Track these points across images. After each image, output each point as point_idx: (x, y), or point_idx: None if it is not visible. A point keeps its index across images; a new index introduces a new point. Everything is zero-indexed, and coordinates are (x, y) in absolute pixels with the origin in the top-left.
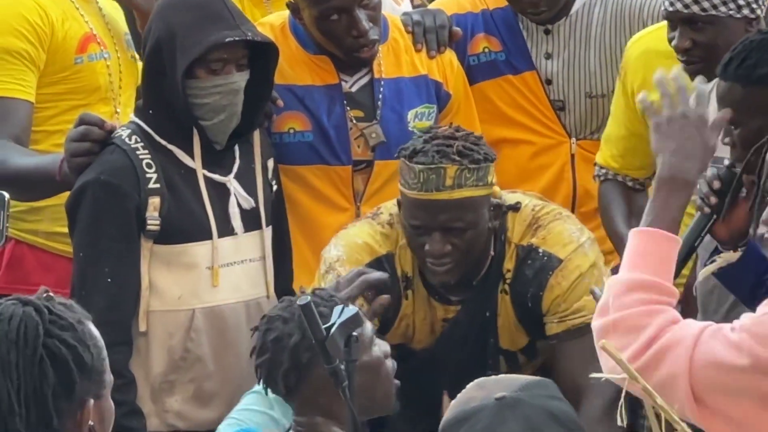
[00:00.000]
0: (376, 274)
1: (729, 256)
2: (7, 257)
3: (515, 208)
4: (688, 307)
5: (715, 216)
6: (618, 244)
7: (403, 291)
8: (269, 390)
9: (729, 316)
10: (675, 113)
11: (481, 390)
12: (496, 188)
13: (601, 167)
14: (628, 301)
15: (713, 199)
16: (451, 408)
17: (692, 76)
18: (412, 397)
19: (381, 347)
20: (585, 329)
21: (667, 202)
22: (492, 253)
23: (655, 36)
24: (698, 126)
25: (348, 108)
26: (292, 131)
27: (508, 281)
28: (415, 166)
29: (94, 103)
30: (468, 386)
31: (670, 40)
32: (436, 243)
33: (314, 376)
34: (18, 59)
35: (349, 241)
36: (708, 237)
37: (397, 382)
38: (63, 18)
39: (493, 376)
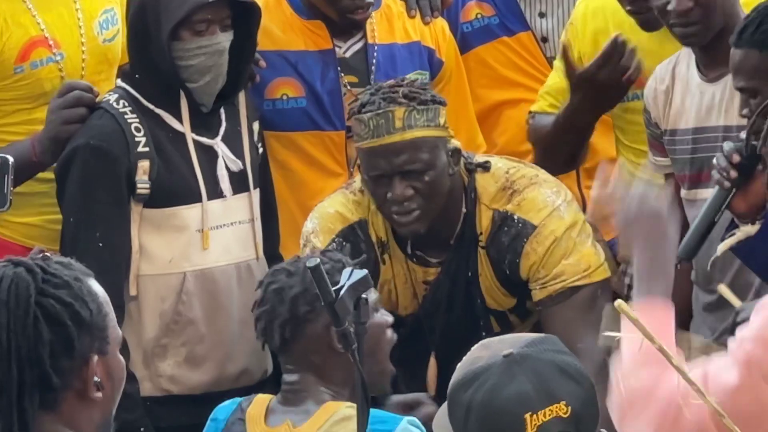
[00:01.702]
0: None
1: (748, 230)
2: None
3: (484, 166)
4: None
5: (735, 190)
6: (549, 129)
7: (380, 256)
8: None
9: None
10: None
11: (486, 350)
12: (455, 141)
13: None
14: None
15: (733, 173)
16: (457, 370)
17: (686, 39)
18: (404, 365)
19: (383, 316)
20: (567, 293)
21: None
22: (464, 210)
23: None
24: (654, 222)
25: (342, 73)
26: (285, 97)
27: (481, 244)
28: (364, 116)
29: (40, 106)
30: (472, 348)
31: (665, 4)
32: (396, 188)
33: (309, 331)
34: None
35: (322, 213)
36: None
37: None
38: (2, 28)
39: (497, 337)
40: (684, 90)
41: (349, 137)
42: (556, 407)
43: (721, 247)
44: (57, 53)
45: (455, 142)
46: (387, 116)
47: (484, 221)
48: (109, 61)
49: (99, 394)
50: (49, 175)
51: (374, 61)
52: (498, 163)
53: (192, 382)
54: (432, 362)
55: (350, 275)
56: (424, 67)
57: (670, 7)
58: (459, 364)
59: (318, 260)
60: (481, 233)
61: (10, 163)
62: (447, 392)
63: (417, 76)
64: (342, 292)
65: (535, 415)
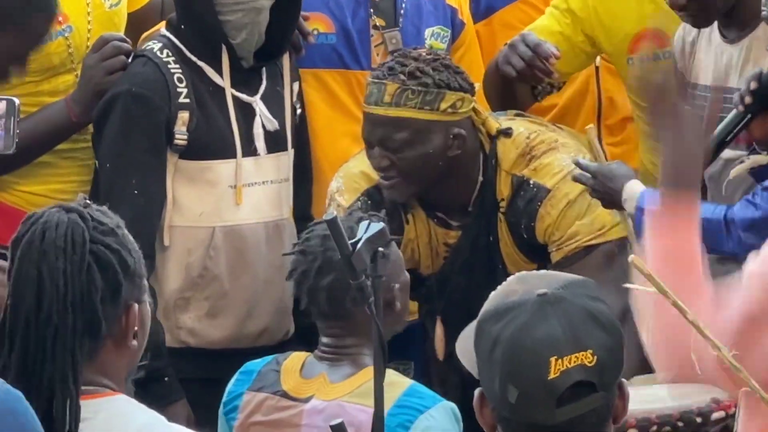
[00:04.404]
0: None
1: (758, 159)
2: None
3: (506, 133)
4: None
5: (750, 115)
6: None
7: (404, 216)
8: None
9: None
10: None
11: (523, 284)
12: (485, 115)
13: None
14: None
15: (748, 99)
16: (490, 300)
17: (691, 25)
18: (434, 320)
19: None
20: (582, 253)
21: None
22: (481, 178)
23: None
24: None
25: (372, 14)
26: (316, 32)
27: (502, 210)
28: (370, 78)
29: (46, 78)
30: (509, 279)
31: None
32: (373, 156)
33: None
34: None
35: (348, 172)
36: None
37: None
38: None
39: (536, 272)
40: (707, 46)
41: None
42: (582, 355)
43: (734, 172)
44: (66, 27)
45: (482, 122)
46: (380, 87)
47: (504, 188)
48: (116, 26)
49: (135, 342)
50: None
51: (403, 5)
52: (520, 128)
53: (211, 336)
54: (439, 326)
55: (367, 228)
56: (447, 23)
57: (667, 2)
58: (492, 293)
59: (334, 213)
60: (502, 200)
61: (17, 104)
62: (477, 321)
63: (439, 31)
64: (359, 245)
65: (560, 360)
